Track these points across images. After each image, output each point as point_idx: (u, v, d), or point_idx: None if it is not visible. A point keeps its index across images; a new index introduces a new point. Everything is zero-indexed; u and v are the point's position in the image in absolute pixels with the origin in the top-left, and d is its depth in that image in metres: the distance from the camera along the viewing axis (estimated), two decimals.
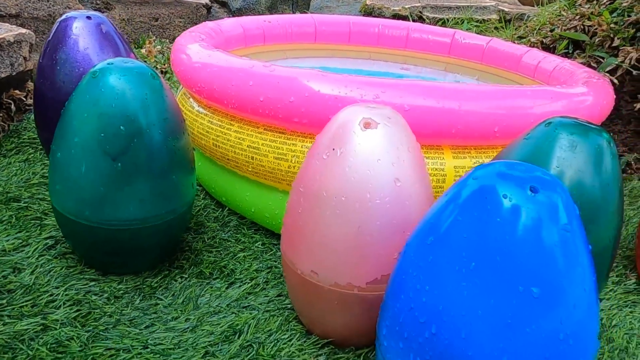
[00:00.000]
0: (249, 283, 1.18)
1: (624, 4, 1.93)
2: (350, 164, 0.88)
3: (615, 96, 1.49)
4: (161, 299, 1.11)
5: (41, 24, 2.24)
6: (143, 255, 1.17)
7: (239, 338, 1.02)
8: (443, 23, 3.06)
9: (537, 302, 0.64)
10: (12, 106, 1.76)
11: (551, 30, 2.17)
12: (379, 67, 2.10)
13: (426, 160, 1.18)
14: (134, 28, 2.79)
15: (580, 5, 2.15)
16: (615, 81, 1.82)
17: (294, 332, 1.05)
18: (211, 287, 1.16)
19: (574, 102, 1.29)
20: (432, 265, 0.71)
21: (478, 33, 2.60)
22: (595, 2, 2.09)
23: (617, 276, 1.32)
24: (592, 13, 2.03)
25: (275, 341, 1.02)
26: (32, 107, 1.82)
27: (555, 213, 0.66)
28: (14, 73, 1.70)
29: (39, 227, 1.26)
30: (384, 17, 3.06)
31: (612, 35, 1.91)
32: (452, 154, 1.20)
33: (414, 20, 2.96)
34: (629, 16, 1.91)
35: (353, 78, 1.18)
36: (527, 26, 2.44)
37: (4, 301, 1.04)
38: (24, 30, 1.73)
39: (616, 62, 1.85)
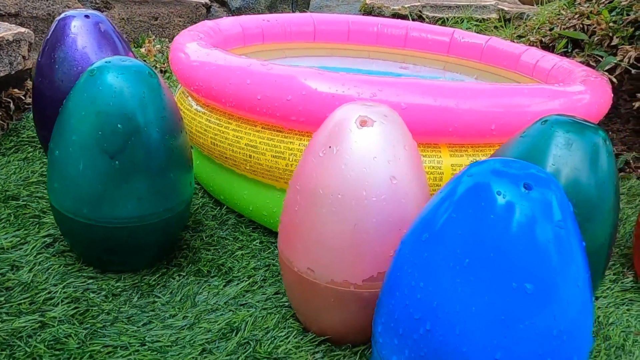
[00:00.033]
0: (246, 281, 1.18)
1: (623, 3, 1.93)
2: (347, 161, 0.89)
3: (613, 95, 1.49)
4: (159, 297, 1.11)
5: (40, 23, 2.25)
6: (141, 253, 1.17)
7: (236, 335, 1.02)
8: (443, 22, 3.06)
9: (531, 299, 0.65)
10: (11, 105, 1.77)
11: (550, 29, 2.17)
12: (378, 67, 2.10)
13: (423, 159, 1.18)
14: (134, 27, 2.79)
15: (579, 4, 2.15)
16: (614, 80, 1.82)
17: (291, 329, 1.06)
18: (209, 285, 1.16)
19: (571, 100, 1.29)
20: (426, 262, 0.71)
21: (478, 32, 2.60)
22: (594, 1, 2.09)
23: (614, 274, 1.33)
24: (591, 12, 2.03)
25: (272, 339, 1.03)
26: (31, 106, 1.82)
27: (549, 210, 0.66)
28: (13, 72, 1.70)
29: (38, 225, 1.27)
30: (383, 16, 3.06)
31: (611, 34, 1.91)
32: (449, 152, 1.20)
33: (413, 20, 2.96)
34: (627, 15, 1.91)
35: (350, 76, 1.19)
36: (526, 25, 2.44)
37: (2, 299, 1.04)
38: (22, 29, 1.74)
39: (615, 61, 1.85)
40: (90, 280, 1.13)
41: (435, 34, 2.11)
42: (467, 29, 2.87)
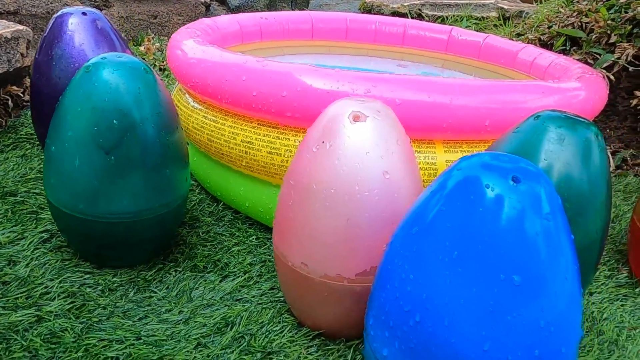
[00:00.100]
0: (242, 276, 1.19)
1: (621, 1, 1.94)
2: (340, 156, 0.89)
3: (611, 92, 1.49)
4: (155, 292, 1.12)
5: (39, 21, 2.25)
6: (138, 249, 1.18)
7: (231, 330, 1.03)
8: (442, 20, 3.06)
9: (519, 291, 0.65)
10: (10, 102, 1.78)
11: (549, 27, 2.17)
12: (375, 64, 2.10)
13: (418, 155, 1.19)
14: (133, 25, 2.80)
15: (578, 2, 2.15)
16: (612, 77, 1.82)
17: (285, 324, 1.06)
18: (205, 281, 1.17)
19: (566, 96, 1.29)
20: (416, 255, 0.71)
21: (477, 31, 2.60)
22: None
23: (609, 270, 1.33)
24: (589, 10, 2.03)
25: (267, 333, 1.03)
26: (29, 103, 1.83)
27: (537, 203, 0.67)
28: (11, 69, 1.71)
29: (35, 221, 1.28)
30: (383, 14, 3.06)
31: (609, 32, 1.92)
32: (443, 148, 1.21)
33: (412, 18, 2.96)
34: (625, 12, 1.91)
35: (345, 73, 1.19)
36: (525, 23, 2.45)
37: None
38: (21, 27, 1.74)
39: (613, 59, 1.85)
40: (87, 275, 1.13)
41: (433, 31, 2.11)
42: (466, 27, 2.87)
